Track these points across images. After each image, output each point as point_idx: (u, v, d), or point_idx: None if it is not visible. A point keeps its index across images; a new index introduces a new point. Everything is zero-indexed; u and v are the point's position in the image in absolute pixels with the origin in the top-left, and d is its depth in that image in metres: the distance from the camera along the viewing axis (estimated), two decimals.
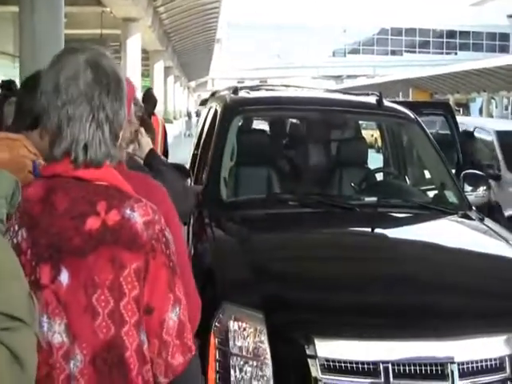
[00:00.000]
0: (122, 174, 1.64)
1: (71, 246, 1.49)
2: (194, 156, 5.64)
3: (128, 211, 1.52)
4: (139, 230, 1.52)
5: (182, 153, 6.90)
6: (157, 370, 1.57)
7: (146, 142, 3.16)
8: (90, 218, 1.50)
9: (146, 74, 33.38)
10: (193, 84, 73.62)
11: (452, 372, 2.56)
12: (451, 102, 40.84)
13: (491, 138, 9.16)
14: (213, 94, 6.05)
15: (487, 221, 4.13)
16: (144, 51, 28.98)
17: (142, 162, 3.08)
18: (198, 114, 7.45)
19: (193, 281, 1.93)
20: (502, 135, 9.09)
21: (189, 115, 42.56)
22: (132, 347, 1.50)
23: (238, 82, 58.08)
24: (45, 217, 1.52)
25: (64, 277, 1.49)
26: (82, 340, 1.49)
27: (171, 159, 6.62)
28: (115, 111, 1.58)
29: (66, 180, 1.55)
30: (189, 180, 3.98)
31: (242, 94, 4.86)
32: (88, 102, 1.54)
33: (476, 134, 9.42)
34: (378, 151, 6.91)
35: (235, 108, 4.67)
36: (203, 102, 6.06)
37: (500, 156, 8.80)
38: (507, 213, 8.08)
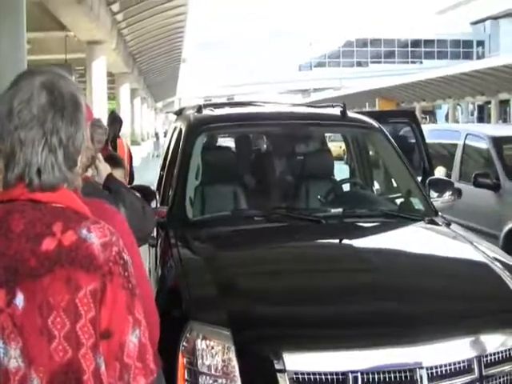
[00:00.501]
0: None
1: (27, 268, 1.46)
2: (161, 177, 5.62)
3: (85, 231, 1.49)
4: (96, 251, 1.48)
5: (150, 174, 6.89)
6: None
7: (104, 167, 3.15)
8: (46, 239, 1.47)
9: (113, 96, 33.34)
10: (160, 105, 73.64)
11: (421, 377, 2.56)
12: (417, 110, 41.37)
13: (485, 144, 8.64)
14: (180, 112, 6.03)
15: (454, 226, 4.15)
16: (110, 74, 28.96)
17: (100, 186, 3.06)
18: (165, 135, 7.40)
19: (152, 299, 1.91)
20: (497, 141, 8.54)
21: (157, 136, 42.51)
22: (89, 370, 1.47)
23: (205, 100, 58.36)
24: (1, 240, 1.49)
25: (19, 300, 1.46)
26: (38, 364, 1.46)
27: (139, 181, 6.58)
28: (70, 135, 1.54)
29: (22, 203, 1.52)
30: (154, 201, 3.96)
31: (206, 112, 4.85)
32: (40, 125, 1.51)
33: (467, 142, 9.09)
34: (346, 163, 6.88)
35: (199, 126, 4.65)
36: (178, 113, 6.01)
37: (497, 164, 8.18)
38: (507, 226, 7.57)
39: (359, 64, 74.73)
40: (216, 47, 72.79)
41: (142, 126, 47.29)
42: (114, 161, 3.76)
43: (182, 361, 2.65)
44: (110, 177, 3.15)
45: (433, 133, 9.88)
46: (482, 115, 45.92)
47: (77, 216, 1.52)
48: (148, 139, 48.35)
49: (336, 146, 14.80)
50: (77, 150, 1.56)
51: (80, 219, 1.51)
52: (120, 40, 26.02)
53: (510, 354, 2.77)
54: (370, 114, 5.41)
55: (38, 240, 1.47)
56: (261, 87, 69.47)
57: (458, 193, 4.70)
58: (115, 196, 2.91)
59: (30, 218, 1.50)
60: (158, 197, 4.80)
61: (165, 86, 54.00)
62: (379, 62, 72.91)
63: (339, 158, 9.79)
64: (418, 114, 40.28)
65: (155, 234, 4.09)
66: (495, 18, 61.47)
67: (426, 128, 9.72)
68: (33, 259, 1.46)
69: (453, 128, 9.96)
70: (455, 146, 9.32)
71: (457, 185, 5.52)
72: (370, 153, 5.63)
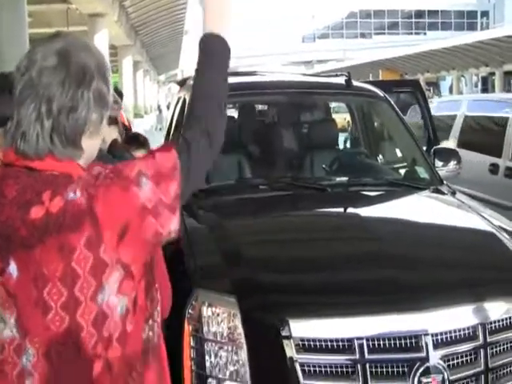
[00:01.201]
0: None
1: (18, 237, 1.43)
2: None
3: (71, 194, 1.44)
4: (82, 204, 1.43)
5: (153, 147, 6.87)
6: None
7: (108, 133, 3.14)
8: (35, 208, 1.43)
9: (115, 69, 33.17)
10: (163, 77, 73.31)
11: (426, 343, 2.56)
12: (421, 81, 41.10)
13: None
14: (183, 82, 5.98)
15: (459, 195, 4.14)
16: (112, 47, 28.83)
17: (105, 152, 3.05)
18: (168, 108, 7.35)
19: (165, 273, 1.91)
20: None
21: (159, 109, 42.36)
22: (88, 323, 1.44)
23: None
24: None
25: (13, 269, 1.43)
26: (33, 335, 1.43)
27: None
28: (63, 108, 1.47)
29: (17, 169, 1.49)
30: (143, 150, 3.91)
31: None
32: (34, 89, 1.46)
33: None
34: (351, 132, 6.82)
35: None
36: (182, 83, 5.95)
37: None
38: None
39: (363, 35, 74.23)
40: None
41: (144, 98, 47.15)
42: (138, 141, 3.74)
43: (187, 328, 2.65)
44: (113, 143, 3.14)
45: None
46: (486, 87, 45.63)
47: (66, 180, 1.46)
48: (151, 112, 48.19)
49: (340, 117, 14.66)
50: (73, 127, 1.49)
51: (68, 182, 1.46)
52: (122, 12, 25.83)
53: None
54: (374, 84, 5.37)
55: (27, 208, 1.44)
56: (264, 59, 69.08)
57: (459, 162, 4.69)
58: (120, 160, 2.90)
59: (23, 185, 1.46)
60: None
61: (168, 59, 53.73)
62: (383, 34, 72.39)
63: (343, 130, 9.74)
64: (422, 85, 40.06)
65: None
66: None
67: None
68: (23, 228, 1.43)
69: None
70: None
71: None
72: (375, 122, 5.60)
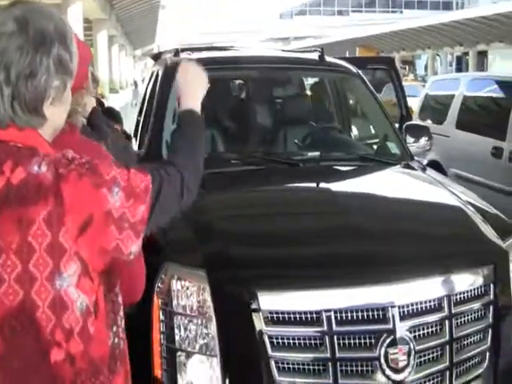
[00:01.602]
0: (73, 143, 1.56)
1: None
2: (138, 122, 5.56)
3: (36, 168, 1.41)
4: (46, 181, 1.40)
5: (129, 122, 6.77)
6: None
7: (90, 101, 3.08)
8: None
9: (90, 43, 32.80)
10: (139, 52, 72.70)
11: (393, 315, 2.60)
12: (397, 60, 41.18)
13: None
14: (157, 56, 5.93)
15: (429, 170, 4.18)
16: (87, 20, 28.48)
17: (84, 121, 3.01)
18: (143, 82, 7.18)
19: (141, 257, 1.89)
20: None
21: (135, 84, 41.98)
22: (45, 304, 1.40)
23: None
24: None
25: None
26: None
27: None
28: (24, 74, 1.43)
29: None
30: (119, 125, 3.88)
31: (184, 55, 4.78)
32: None
33: None
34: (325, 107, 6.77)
35: (176, 70, 4.58)
36: (156, 57, 5.88)
37: None
38: None
39: (340, 13, 74.04)
40: None
41: (120, 73, 46.71)
42: (111, 114, 3.70)
43: (157, 302, 2.65)
44: (94, 111, 3.10)
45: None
46: (461, 66, 45.81)
47: (30, 152, 1.44)
48: (127, 87, 47.82)
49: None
50: (33, 94, 1.45)
51: (32, 155, 1.43)
52: None
53: (478, 292, 2.85)
54: (348, 60, 5.37)
55: None
56: (241, 35, 68.72)
57: (431, 138, 4.72)
58: (98, 133, 2.87)
59: None
60: (134, 141, 4.74)
61: (143, 34, 53.25)
62: (360, 11, 72.30)
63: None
64: (397, 63, 40.14)
65: None
66: None
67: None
68: None
69: None
70: None
71: None
72: (348, 98, 5.61)
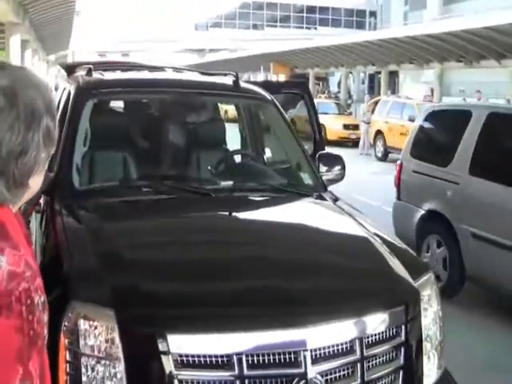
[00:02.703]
0: None
1: None
2: None
3: None
4: None
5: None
6: None
7: None
8: None
9: (2, 47, 31.86)
10: (53, 57, 71.05)
11: (305, 358, 2.59)
12: (311, 76, 41.80)
13: None
14: (69, 67, 5.76)
15: (341, 202, 4.22)
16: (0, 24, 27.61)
17: None
18: (56, 88, 6.88)
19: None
20: None
21: (56, 89, 40.90)
22: None
23: (100, 55, 56.39)
24: None
25: None
26: None
27: None
28: (15, 152, 1.37)
29: None
30: None
31: (96, 75, 4.69)
32: None
33: None
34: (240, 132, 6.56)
35: (88, 91, 4.50)
36: (68, 68, 5.69)
37: None
38: None
39: (255, 27, 74.55)
40: (111, 1, 70.85)
41: None
42: None
43: (63, 341, 2.56)
44: None
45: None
46: (373, 84, 46.91)
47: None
48: None
49: None
50: (22, 171, 1.39)
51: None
52: None
53: (389, 333, 2.87)
54: (262, 85, 5.40)
55: None
56: (157, 45, 68.18)
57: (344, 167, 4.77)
58: None
59: None
60: None
61: (58, 39, 52.03)
62: (275, 26, 72.97)
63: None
64: (311, 80, 40.73)
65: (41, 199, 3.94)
66: None
67: None
68: None
69: None
70: None
71: None
72: (262, 125, 5.62)
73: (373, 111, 23.37)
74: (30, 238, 1.55)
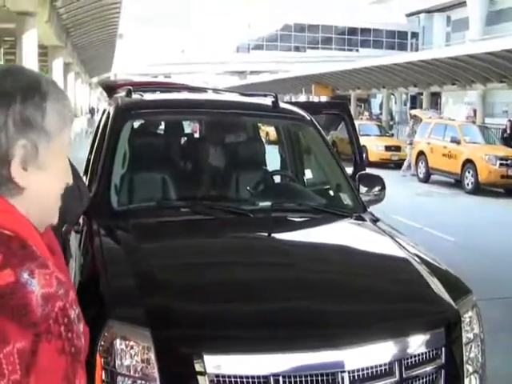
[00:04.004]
0: None
1: None
2: (88, 160, 5.46)
3: (26, 275, 1.24)
4: (34, 302, 1.22)
5: (83, 151, 6.66)
6: None
7: None
8: None
9: (45, 70, 32.50)
10: (95, 80, 72.29)
11: (343, 379, 2.55)
12: (352, 98, 41.78)
13: None
14: (108, 87, 5.82)
15: (381, 223, 4.17)
16: (42, 47, 28.21)
17: None
18: (91, 111, 6.85)
19: None
20: None
21: (91, 112, 41.64)
22: None
23: (141, 77, 57.07)
24: None
25: None
26: None
27: (73, 159, 6.34)
28: None
29: None
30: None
31: (136, 96, 4.73)
32: None
33: None
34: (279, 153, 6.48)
35: (127, 112, 4.53)
36: (107, 89, 5.74)
37: None
38: None
39: (297, 49, 74.89)
40: (154, 24, 71.91)
41: (75, 101, 46.33)
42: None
43: (99, 361, 2.56)
44: None
45: None
46: (415, 106, 46.66)
47: (23, 252, 1.28)
48: (82, 115, 47.47)
49: None
50: None
51: (25, 258, 1.27)
52: (53, 12, 25.26)
53: (429, 355, 2.81)
54: (302, 105, 5.38)
55: None
56: (198, 67, 68.93)
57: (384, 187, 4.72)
58: None
59: None
60: (84, 179, 4.64)
61: (100, 62, 52.99)
62: (316, 48, 73.21)
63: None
64: (352, 101, 40.71)
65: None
66: (429, 11, 62.46)
67: None
68: None
69: None
70: None
71: None
72: (302, 145, 5.60)
73: (413, 128, 23.07)
74: (54, 247, 1.50)
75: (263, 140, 6.21)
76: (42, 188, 1.38)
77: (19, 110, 1.35)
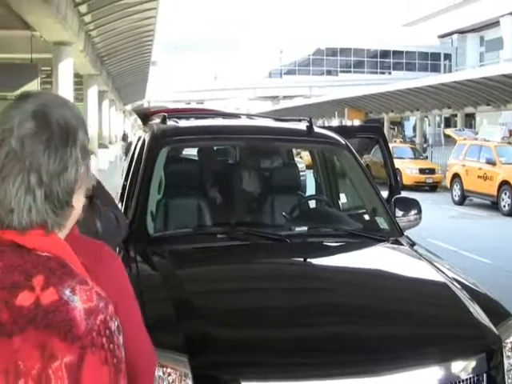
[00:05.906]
0: (72, 237, 1.43)
1: None
2: (124, 187, 5.51)
3: (68, 292, 1.28)
4: (78, 317, 1.27)
5: (118, 178, 6.72)
6: None
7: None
8: (23, 292, 1.27)
9: (80, 98, 33.00)
10: (129, 107, 73.17)
11: None
12: (386, 121, 41.64)
13: None
14: (142, 114, 5.88)
15: (418, 246, 4.12)
16: (77, 75, 28.65)
17: None
18: (124, 138, 6.95)
19: (151, 351, 1.76)
20: None
21: (124, 138, 42.09)
22: None
23: (174, 103, 57.62)
24: None
25: None
26: None
27: (107, 185, 6.40)
28: (54, 173, 1.34)
29: (1, 243, 1.34)
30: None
31: (171, 123, 4.76)
32: (18, 160, 1.33)
33: None
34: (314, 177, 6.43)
35: (162, 138, 4.57)
36: (142, 116, 5.81)
37: None
38: None
39: (329, 72, 75.05)
40: (186, 50, 72.66)
41: (110, 128, 46.90)
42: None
43: None
44: (99, 183, 3.02)
45: None
46: (449, 127, 46.37)
47: (63, 271, 1.31)
48: (116, 142, 48.02)
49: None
50: (65, 189, 1.36)
51: (65, 276, 1.31)
52: (88, 42, 25.71)
53: (470, 381, 2.75)
54: (336, 130, 5.38)
55: (15, 291, 1.27)
56: (231, 93, 69.41)
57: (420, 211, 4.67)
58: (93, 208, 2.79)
59: (8, 263, 1.30)
60: (120, 205, 4.68)
61: (134, 89, 53.66)
62: (349, 72, 73.29)
63: None
64: (386, 124, 40.56)
65: None
66: (461, 32, 62.26)
67: None
68: (5, 312, 1.26)
69: None
70: None
71: None
72: (336, 169, 5.59)
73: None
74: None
75: (297, 164, 6.21)
76: (79, 204, 1.45)
77: (82, 140, 1.41)
